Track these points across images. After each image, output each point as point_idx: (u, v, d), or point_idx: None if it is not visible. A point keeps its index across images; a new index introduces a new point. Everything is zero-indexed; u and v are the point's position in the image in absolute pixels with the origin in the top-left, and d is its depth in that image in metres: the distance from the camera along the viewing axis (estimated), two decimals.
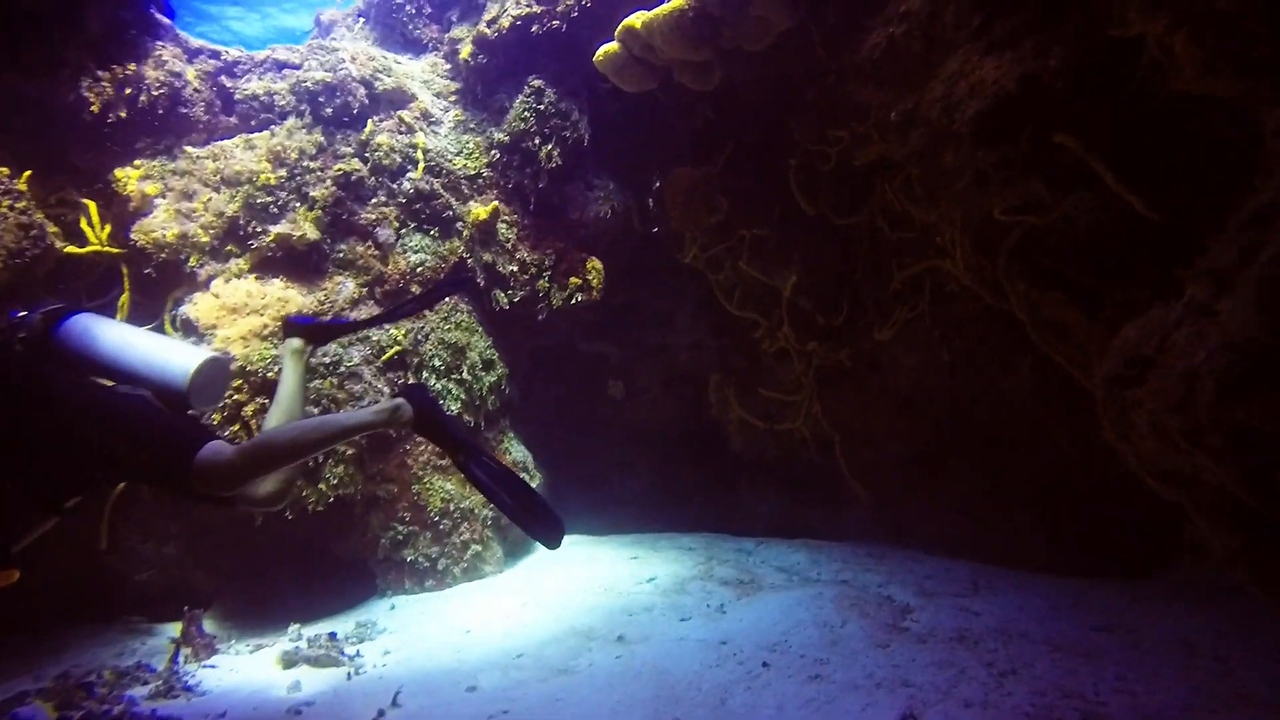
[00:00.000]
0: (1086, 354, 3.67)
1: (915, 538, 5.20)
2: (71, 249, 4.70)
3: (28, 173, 4.57)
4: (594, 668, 3.64)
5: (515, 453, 5.54)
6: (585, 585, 4.72)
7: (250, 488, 2.72)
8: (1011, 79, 3.11)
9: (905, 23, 3.76)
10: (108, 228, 4.81)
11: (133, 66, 4.56)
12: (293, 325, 3.16)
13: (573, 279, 5.53)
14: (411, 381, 3.91)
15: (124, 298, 4.86)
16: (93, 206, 4.76)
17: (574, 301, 5.52)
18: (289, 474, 2.85)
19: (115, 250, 4.78)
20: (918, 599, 3.94)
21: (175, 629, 4.86)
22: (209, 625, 5.08)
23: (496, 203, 5.19)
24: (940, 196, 3.94)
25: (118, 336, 2.71)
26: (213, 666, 4.20)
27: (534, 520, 2.97)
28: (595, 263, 5.57)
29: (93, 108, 4.60)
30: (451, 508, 5.01)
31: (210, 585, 5.52)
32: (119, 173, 4.68)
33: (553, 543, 2.99)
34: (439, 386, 5.04)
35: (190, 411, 2.77)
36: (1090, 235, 3.43)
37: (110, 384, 2.70)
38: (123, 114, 4.65)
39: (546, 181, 5.34)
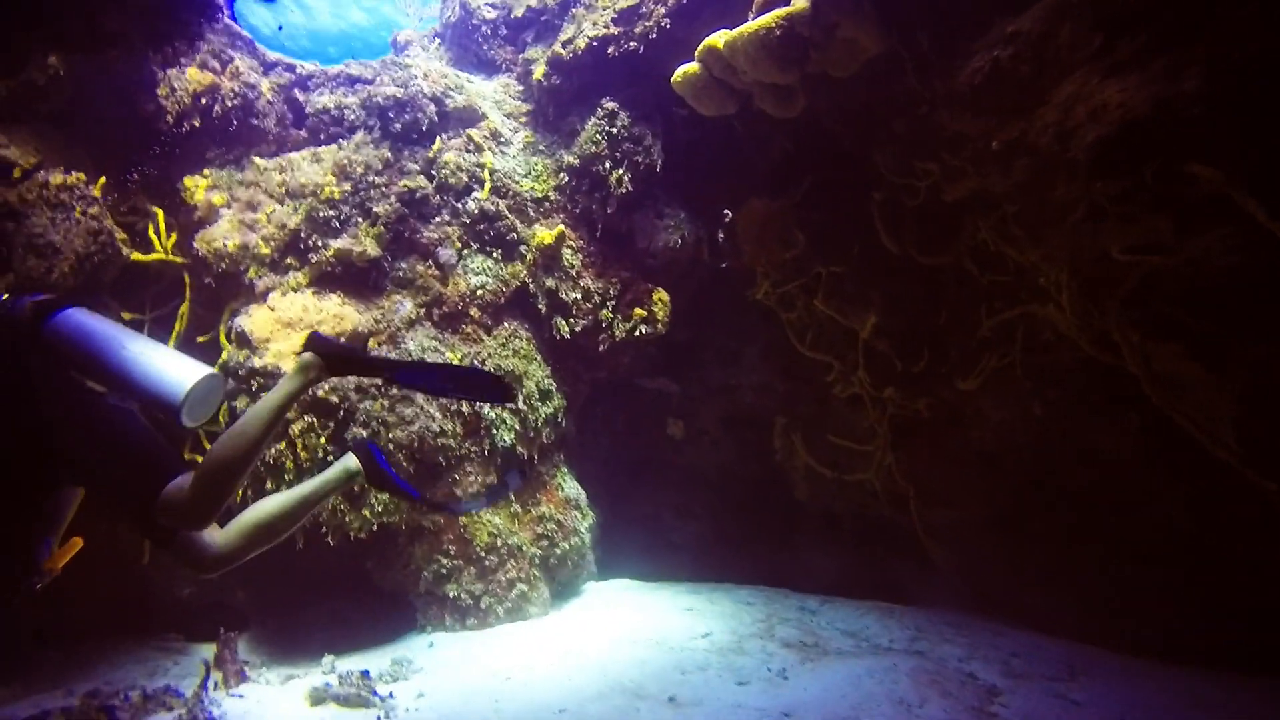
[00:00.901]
0: (1209, 413, 3.26)
1: (998, 607, 4.74)
2: (138, 256, 4.67)
3: (102, 179, 4.56)
4: None
5: (569, 489, 5.28)
6: (635, 636, 4.39)
7: (204, 539, 2.59)
8: (1142, 102, 2.79)
9: (1013, 45, 3.47)
10: (173, 236, 4.78)
11: (201, 77, 4.53)
12: (318, 343, 2.85)
13: (637, 310, 5.29)
14: (362, 436, 3.67)
15: (184, 307, 4.80)
16: (160, 214, 4.73)
17: (638, 334, 5.27)
18: (249, 537, 2.68)
19: (179, 259, 4.73)
20: (1005, 680, 3.52)
21: (210, 650, 4.70)
22: (244, 648, 4.90)
23: (562, 227, 5.01)
24: (1046, 234, 3.60)
25: (114, 338, 2.54)
26: (240, 696, 3.99)
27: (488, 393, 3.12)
28: (661, 294, 5.33)
29: (169, 116, 4.59)
30: (499, 543, 4.76)
31: (249, 606, 5.37)
32: (188, 181, 4.64)
33: (506, 395, 3.06)
34: (492, 415, 4.83)
35: (184, 425, 2.59)
36: (1221, 280, 3.05)
37: (99, 389, 2.54)
38: (196, 123, 4.63)
39: (615, 207, 5.14)
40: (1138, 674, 3.61)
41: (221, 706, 3.86)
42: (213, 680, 4.24)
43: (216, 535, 2.62)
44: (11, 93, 4.45)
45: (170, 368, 2.53)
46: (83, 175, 4.44)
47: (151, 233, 4.69)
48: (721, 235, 6.12)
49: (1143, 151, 2.86)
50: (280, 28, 5.11)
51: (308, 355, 2.76)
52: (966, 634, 4.18)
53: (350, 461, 2.88)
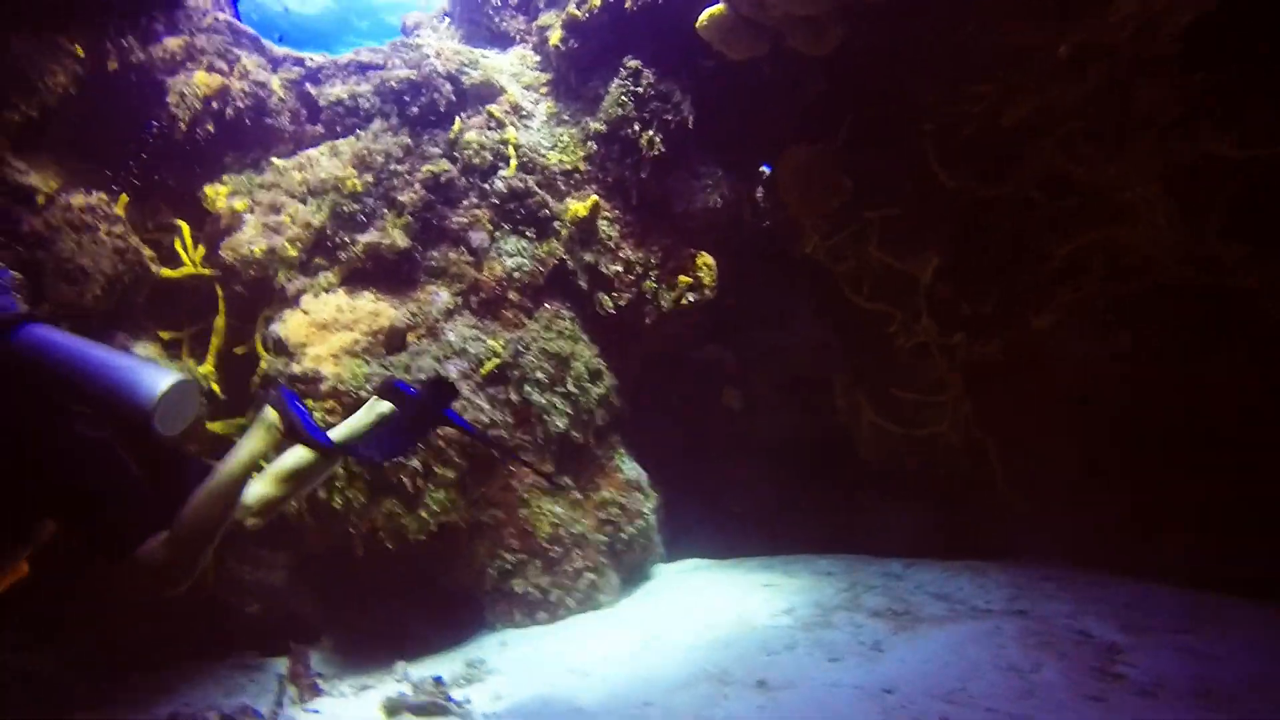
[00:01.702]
0: None
1: (1093, 558, 4.43)
2: (167, 272, 4.56)
3: (124, 198, 4.45)
4: None
5: (629, 471, 5.08)
6: (714, 618, 4.18)
7: (151, 556, 2.44)
8: None
9: None
10: (201, 248, 4.65)
11: (209, 79, 4.36)
12: (279, 405, 2.69)
13: (682, 277, 5.04)
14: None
15: (219, 320, 4.68)
16: (185, 227, 4.61)
17: (684, 302, 5.03)
18: (192, 538, 2.51)
19: (208, 271, 4.61)
20: (1123, 635, 3.22)
21: (285, 664, 4.63)
22: (317, 660, 4.82)
23: (595, 198, 4.77)
24: (1127, 146, 3.25)
25: (79, 349, 2.40)
26: (316, 712, 3.89)
27: (428, 416, 2.89)
28: (706, 258, 5.07)
29: (182, 124, 4.44)
30: (562, 533, 4.58)
31: (318, 617, 5.29)
32: (208, 189, 4.51)
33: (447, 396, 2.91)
34: (543, 402, 4.63)
35: (157, 433, 2.43)
36: None
37: (72, 411, 2.40)
38: (210, 128, 4.48)
39: (649, 171, 4.88)
40: (1264, 622, 3.30)
41: None
42: (288, 696, 4.16)
43: (161, 550, 2.47)
44: (28, 119, 4.36)
45: (141, 374, 2.40)
46: (104, 195, 4.33)
47: (178, 246, 4.57)
48: (761, 191, 5.82)
49: (1246, 36, 2.52)
50: (280, 38, 4.91)
51: (271, 414, 2.65)
52: (1069, 588, 3.88)
53: (267, 415, 2.69)
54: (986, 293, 4.50)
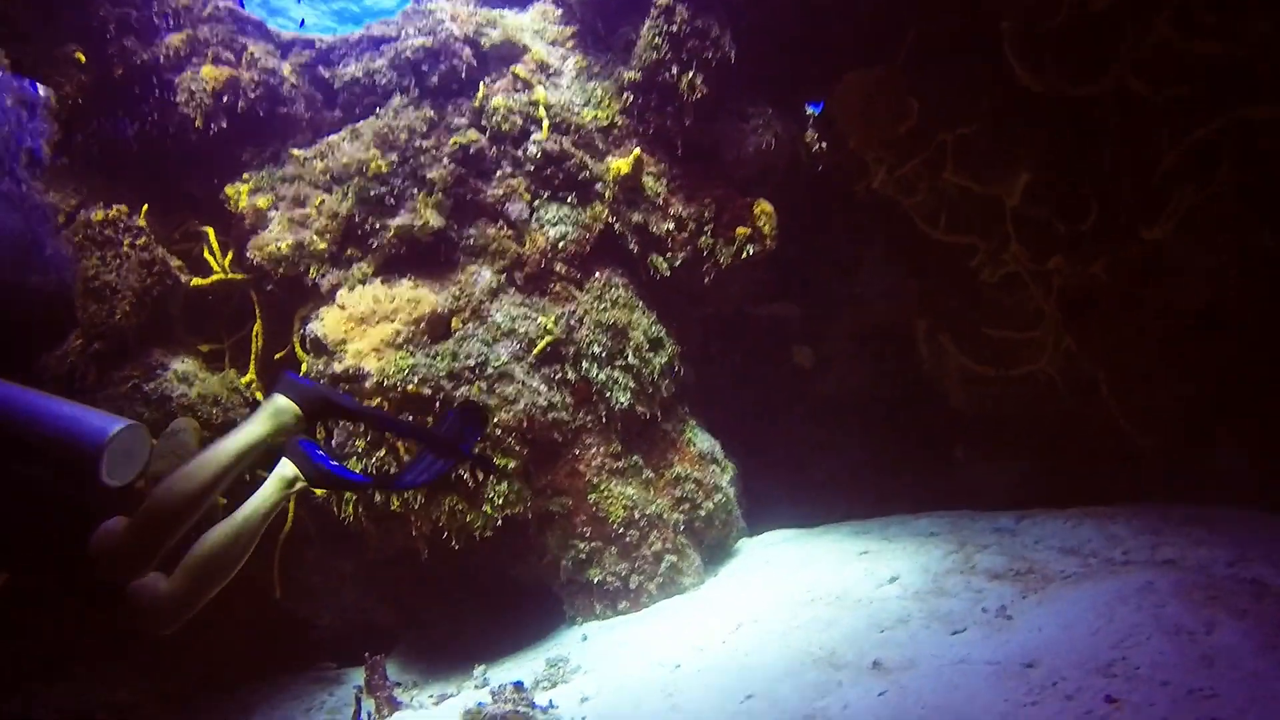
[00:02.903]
0: None
1: (1234, 495, 3.92)
2: (197, 281, 4.35)
3: (145, 207, 4.24)
4: (851, 712, 2.74)
5: (701, 442, 4.72)
6: (810, 594, 3.81)
7: (153, 589, 2.33)
8: None
9: None
10: (230, 253, 4.43)
11: (217, 72, 4.11)
12: (293, 387, 2.47)
13: (739, 229, 4.63)
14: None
15: (257, 326, 4.46)
16: (211, 232, 4.39)
17: (745, 255, 4.62)
18: (201, 577, 2.40)
19: (239, 276, 4.38)
20: None
21: (363, 675, 4.43)
22: (394, 669, 4.61)
23: (638, 150, 4.38)
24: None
25: (16, 393, 2.25)
26: None
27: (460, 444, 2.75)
28: (764, 205, 4.65)
29: (196, 123, 4.21)
30: (636, 515, 4.26)
31: (392, 624, 5.11)
32: (229, 189, 4.27)
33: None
34: (603, 377, 4.30)
35: (104, 484, 2.26)
36: None
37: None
38: (224, 124, 4.23)
39: (693, 117, 4.47)
40: None
41: None
42: (366, 711, 3.95)
43: (163, 583, 2.35)
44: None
45: (88, 418, 2.27)
46: (124, 208, 4.13)
47: (206, 253, 4.35)
48: (814, 129, 5.36)
49: None
50: (302, 23, 4.65)
51: (281, 400, 2.41)
52: (1220, 531, 3.40)
53: (285, 470, 2.54)
54: (1085, 207, 3.99)
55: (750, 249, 4.66)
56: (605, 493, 4.24)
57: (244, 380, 4.38)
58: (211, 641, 4.81)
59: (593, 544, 4.22)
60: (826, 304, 5.68)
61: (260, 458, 2.48)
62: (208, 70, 4.18)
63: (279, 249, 4.08)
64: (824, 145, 5.51)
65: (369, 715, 3.89)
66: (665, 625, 4.00)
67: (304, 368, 4.15)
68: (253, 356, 4.39)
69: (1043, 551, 3.64)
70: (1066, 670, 2.49)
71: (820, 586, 3.86)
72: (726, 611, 3.92)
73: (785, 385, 5.97)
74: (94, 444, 2.20)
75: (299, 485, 2.54)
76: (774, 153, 4.74)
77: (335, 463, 2.54)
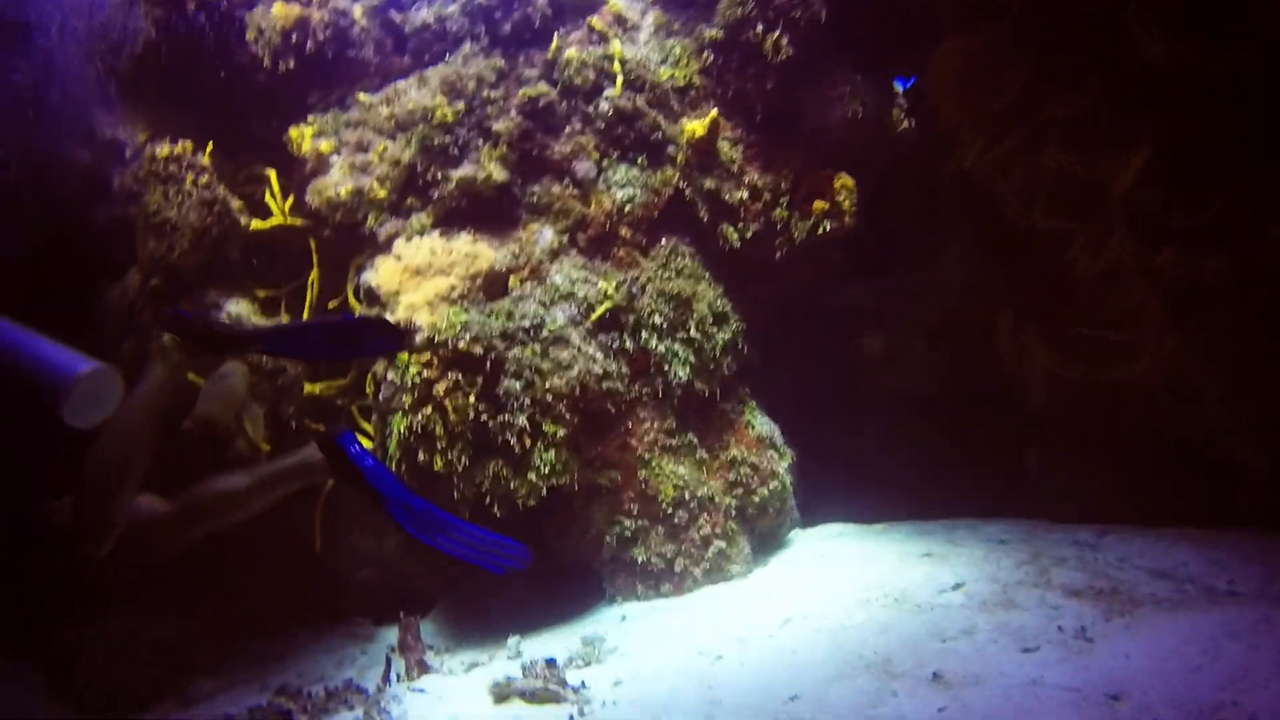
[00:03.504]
0: None
1: None
2: (257, 224, 4.29)
3: (210, 145, 4.19)
4: None
5: (760, 426, 4.50)
6: (867, 593, 3.57)
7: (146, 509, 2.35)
8: None
9: None
10: (290, 198, 4.35)
11: (287, 10, 4.01)
12: (178, 324, 2.50)
13: (817, 203, 4.37)
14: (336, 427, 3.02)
15: (313, 274, 4.39)
16: (273, 175, 4.32)
17: (821, 231, 4.36)
18: (199, 511, 2.46)
19: (298, 221, 4.31)
20: None
21: (396, 634, 4.36)
22: (428, 631, 4.54)
23: (715, 113, 4.15)
24: None
25: None
26: (421, 691, 3.56)
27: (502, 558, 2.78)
28: (845, 179, 4.37)
29: (264, 62, 4.13)
30: (686, 496, 4.07)
31: (431, 586, 5.03)
32: (293, 132, 4.19)
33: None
34: (662, 349, 4.10)
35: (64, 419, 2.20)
36: None
37: None
38: (291, 64, 4.14)
39: (775, 81, 4.22)
40: None
41: (403, 703, 3.43)
42: (396, 671, 3.87)
43: (159, 505, 2.36)
44: (123, 74, 4.16)
45: (58, 357, 2.22)
46: (189, 144, 4.08)
47: (267, 197, 4.28)
48: (902, 99, 5.03)
49: None
50: None
51: (169, 338, 2.43)
52: None
53: (310, 454, 2.54)
54: (1206, 198, 3.61)
55: (828, 224, 4.39)
56: (656, 470, 4.05)
57: None
58: (252, 587, 4.82)
59: (639, 522, 4.04)
60: (901, 292, 5.36)
61: None
62: (278, 8, 4.09)
63: (338, 194, 3.98)
64: (912, 122, 5.18)
65: (398, 676, 3.80)
66: (708, 613, 3.80)
67: None
68: (307, 304, 4.32)
69: (1129, 571, 3.32)
70: (1160, 708, 2.21)
71: (877, 586, 3.61)
72: (774, 604, 3.71)
73: (851, 375, 5.68)
74: (61, 382, 2.13)
75: (318, 474, 2.54)
76: (859, 124, 4.45)
77: (373, 460, 2.50)
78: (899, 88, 5.23)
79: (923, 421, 5.68)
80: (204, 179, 4.03)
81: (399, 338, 2.68)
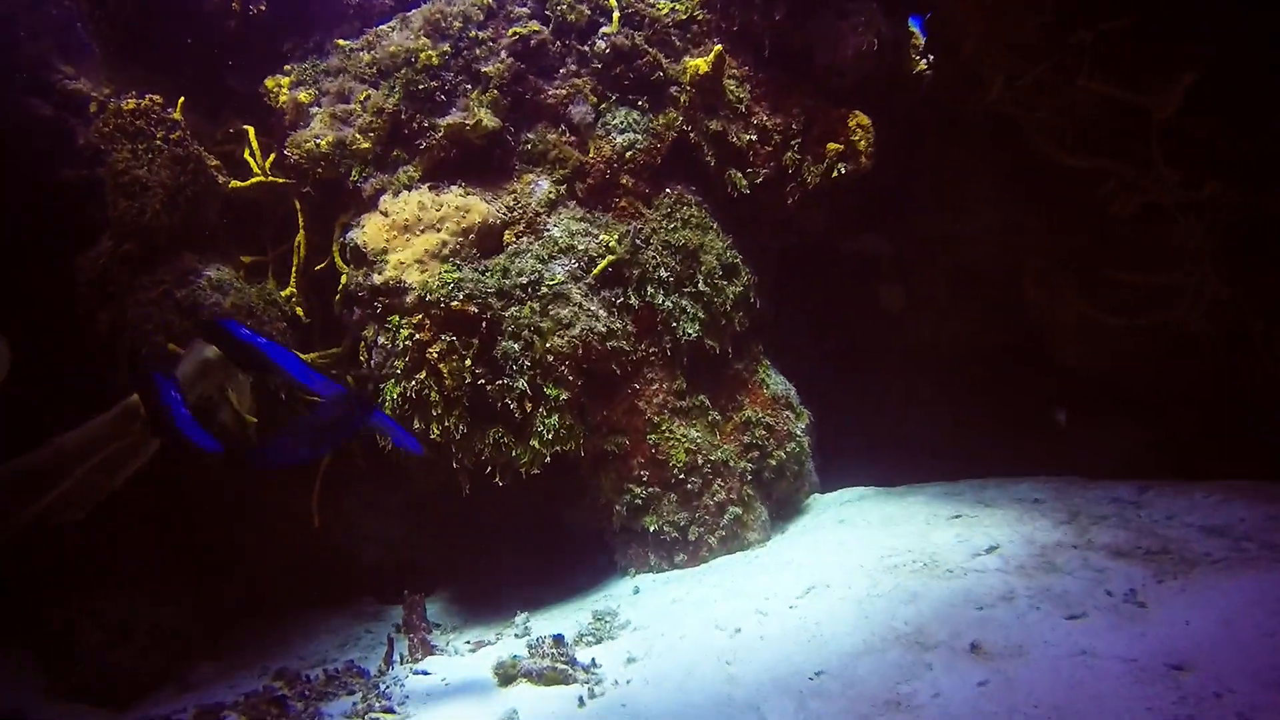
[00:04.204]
0: None
1: None
2: (235, 183, 4.03)
3: (181, 100, 3.92)
4: (944, 702, 2.29)
5: (775, 385, 4.26)
6: (892, 559, 3.34)
7: None
8: None
9: None
10: (272, 156, 4.09)
11: None
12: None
13: (831, 144, 4.07)
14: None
15: (299, 236, 4.14)
16: (251, 132, 4.05)
17: (836, 175, 4.07)
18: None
19: (280, 179, 4.05)
20: None
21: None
22: (435, 610, 4.36)
23: (719, 47, 3.84)
24: None
25: None
26: (425, 673, 3.37)
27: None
28: (860, 118, 4.07)
29: (233, 5, 3.84)
30: (699, 461, 3.84)
31: (437, 563, 4.85)
32: (269, 82, 3.92)
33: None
34: (669, 305, 3.85)
35: None
36: None
37: None
38: (262, 7, 3.85)
39: (784, 12, 3.91)
40: None
41: (405, 686, 3.25)
42: (400, 653, 3.68)
43: None
44: (79, 19, 3.89)
45: None
46: (159, 98, 3.81)
47: (246, 154, 4.02)
48: (921, 30, 4.70)
49: None
50: None
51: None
52: None
53: (127, 403, 2.28)
54: (1262, 122, 3.30)
55: (842, 167, 4.10)
56: (666, 434, 3.82)
57: (284, 293, 4.08)
58: (254, 567, 4.65)
59: (650, 489, 3.82)
60: (922, 240, 5.08)
61: None
62: None
63: (318, 146, 3.72)
64: (930, 58, 4.86)
65: (401, 657, 3.62)
66: (725, 583, 3.59)
67: (343, 280, 3.81)
68: (294, 269, 4.08)
69: (1178, 529, 3.07)
70: (1233, 679, 1.98)
71: (904, 551, 3.38)
72: (795, 573, 3.49)
73: (869, 329, 5.42)
74: None
75: (136, 421, 2.26)
76: (875, 58, 4.14)
77: (186, 411, 2.23)
78: (914, 26, 4.91)
79: (946, 377, 5.42)
80: (175, 134, 3.77)
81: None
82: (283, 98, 3.85)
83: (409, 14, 3.90)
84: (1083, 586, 2.74)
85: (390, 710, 2.97)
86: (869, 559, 3.38)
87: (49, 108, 3.79)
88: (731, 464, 3.97)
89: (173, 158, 3.71)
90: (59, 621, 4.30)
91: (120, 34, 3.88)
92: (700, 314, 3.90)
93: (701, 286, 3.90)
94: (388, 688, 3.23)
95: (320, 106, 3.83)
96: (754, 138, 4.02)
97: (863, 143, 4.10)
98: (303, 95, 3.83)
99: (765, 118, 4.05)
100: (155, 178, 3.63)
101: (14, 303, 3.64)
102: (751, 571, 3.68)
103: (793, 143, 4.09)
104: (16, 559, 3.85)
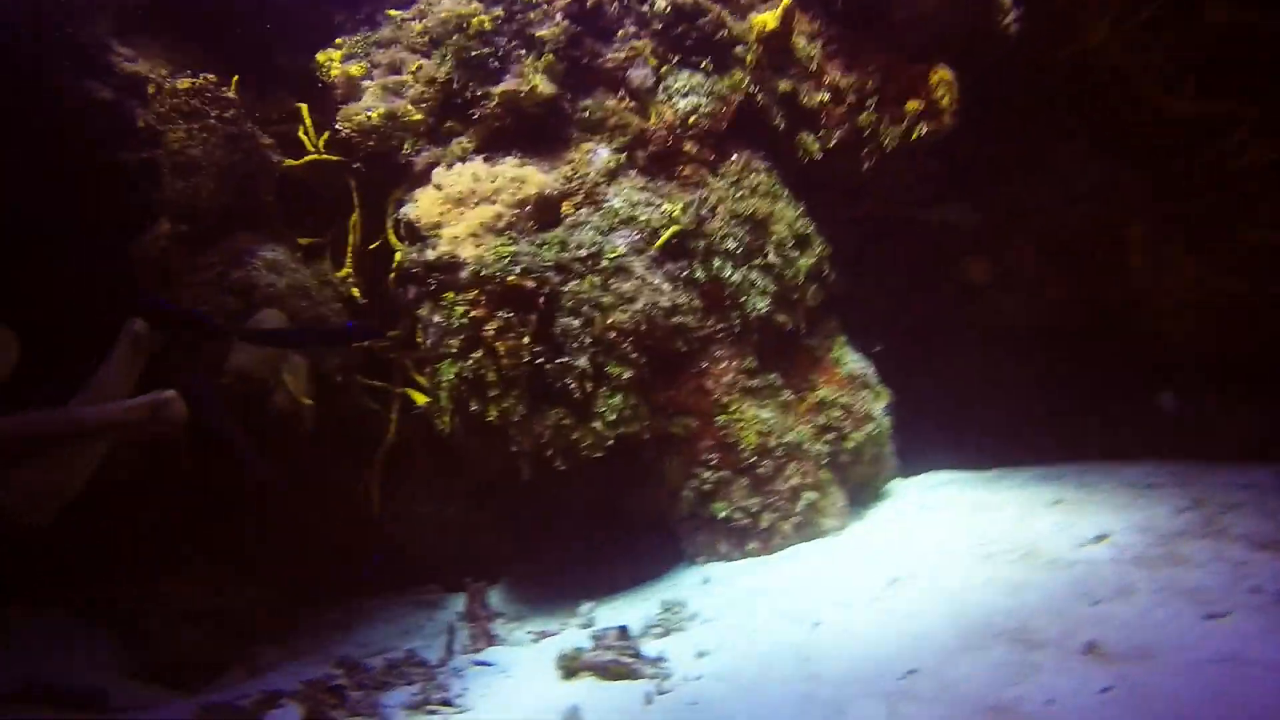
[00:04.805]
0: None
1: None
2: (289, 162, 3.95)
3: (236, 78, 3.84)
4: (1060, 710, 2.01)
5: (851, 363, 4.00)
6: (986, 547, 3.06)
7: None
8: None
9: None
10: (326, 135, 3.99)
11: None
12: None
13: (910, 103, 3.77)
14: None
15: (354, 216, 4.04)
16: (304, 109, 3.96)
17: (916, 136, 3.77)
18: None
19: (334, 157, 3.95)
20: None
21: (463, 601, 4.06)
22: (497, 598, 4.23)
23: (788, 1, 3.58)
24: None
25: None
26: (486, 665, 3.23)
27: None
28: (943, 72, 3.76)
29: None
30: (772, 443, 3.60)
31: (500, 550, 4.72)
32: (321, 57, 3.82)
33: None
34: (738, 278, 3.62)
35: None
36: None
37: None
38: None
39: None
40: None
41: (464, 678, 3.11)
42: (461, 642, 3.56)
43: None
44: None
45: None
46: (213, 76, 3.74)
47: (300, 132, 3.93)
48: None
49: None
50: None
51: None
52: None
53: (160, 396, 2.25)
54: None
55: (924, 127, 3.79)
56: (736, 415, 3.59)
57: (340, 274, 3.99)
58: (315, 553, 4.60)
59: (720, 474, 3.60)
60: (1011, 207, 4.70)
61: None
62: None
63: (369, 119, 3.60)
64: (1020, 9, 4.48)
65: (462, 647, 3.49)
66: (801, 573, 3.36)
67: (397, 258, 3.69)
68: (349, 248, 3.98)
69: None
70: None
71: (999, 540, 3.09)
72: (877, 562, 3.23)
73: (952, 303, 5.06)
74: None
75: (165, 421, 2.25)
76: (959, 8, 3.80)
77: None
78: None
79: (1036, 354, 5.03)
80: (230, 113, 3.70)
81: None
82: (334, 72, 3.75)
83: None
84: (1220, 581, 2.42)
85: (448, 703, 2.83)
86: (960, 548, 3.10)
87: (108, 90, 3.75)
88: (806, 447, 3.72)
89: (226, 136, 3.64)
90: (130, 603, 4.33)
91: (174, 15, 3.82)
92: (770, 287, 3.66)
93: (772, 258, 3.66)
94: (447, 678, 3.10)
95: (372, 79, 3.71)
96: (826, 98, 3.75)
97: (945, 99, 3.78)
98: (354, 69, 3.72)
99: (838, 76, 3.77)
100: (209, 156, 3.57)
101: (74, 289, 3.62)
102: (830, 561, 3.44)
103: (868, 102, 3.80)
104: (86, 537, 3.86)
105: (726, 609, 3.19)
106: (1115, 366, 4.77)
